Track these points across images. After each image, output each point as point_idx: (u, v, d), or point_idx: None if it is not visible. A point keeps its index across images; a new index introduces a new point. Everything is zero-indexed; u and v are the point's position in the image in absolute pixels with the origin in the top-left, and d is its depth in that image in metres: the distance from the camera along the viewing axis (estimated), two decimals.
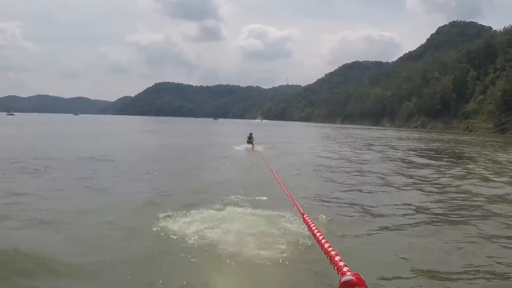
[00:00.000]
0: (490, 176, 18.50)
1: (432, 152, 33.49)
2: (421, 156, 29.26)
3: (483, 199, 12.79)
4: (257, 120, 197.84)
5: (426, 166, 22.48)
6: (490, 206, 11.64)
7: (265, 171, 12.13)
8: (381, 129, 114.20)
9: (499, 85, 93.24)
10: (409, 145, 42.21)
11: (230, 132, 62.87)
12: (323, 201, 12.05)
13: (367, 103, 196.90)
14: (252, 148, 30.83)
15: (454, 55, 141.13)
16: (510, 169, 21.59)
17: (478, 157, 29.07)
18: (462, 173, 19.58)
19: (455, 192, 14.15)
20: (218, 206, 10.16)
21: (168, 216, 9.23)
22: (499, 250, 7.83)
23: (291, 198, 4.83)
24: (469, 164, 23.70)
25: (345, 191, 13.61)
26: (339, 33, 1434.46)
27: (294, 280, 6.17)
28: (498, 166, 22.94)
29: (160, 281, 6.07)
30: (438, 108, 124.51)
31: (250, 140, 32.32)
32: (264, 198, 11.27)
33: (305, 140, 50.28)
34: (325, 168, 20.32)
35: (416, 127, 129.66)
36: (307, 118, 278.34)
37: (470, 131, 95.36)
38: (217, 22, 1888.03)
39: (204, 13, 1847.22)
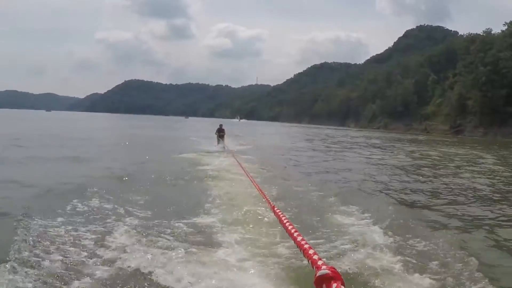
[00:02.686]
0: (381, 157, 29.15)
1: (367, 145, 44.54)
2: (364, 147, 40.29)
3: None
4: (235, 120, 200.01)
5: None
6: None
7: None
8: (344, 130, 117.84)
9: (456, 89, 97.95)
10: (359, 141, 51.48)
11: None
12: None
13: (334, 104, 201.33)
14: (223, 147, 27.24)
15: (416, 59, 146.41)
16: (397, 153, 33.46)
17: (390, 148, 41.02)
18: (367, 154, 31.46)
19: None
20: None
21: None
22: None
23: (261, 192, 4.99)
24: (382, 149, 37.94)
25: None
26: (308, 33, 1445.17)
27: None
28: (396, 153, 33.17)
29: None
30: (399, 110, 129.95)
31: (220, 134, 28.89)
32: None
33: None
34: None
35: (378, 128, 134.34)
36: (275, 118, 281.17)
37: (428, 132, 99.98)
38: (186, 21, 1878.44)
39: (173, 11, 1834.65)
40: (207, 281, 5.59)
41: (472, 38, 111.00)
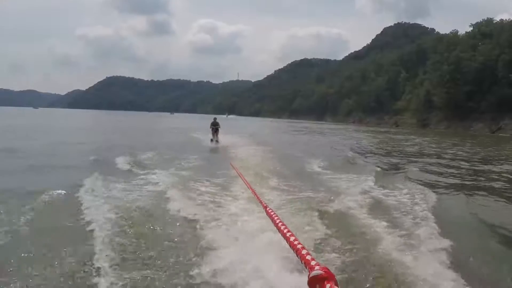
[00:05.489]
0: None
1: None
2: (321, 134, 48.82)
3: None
4: (223, 116, 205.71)
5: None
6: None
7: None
8: (321, 123, 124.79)
9: (424, 86, 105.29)
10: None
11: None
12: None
13: (312, 99, 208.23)
14: (217, 141, 27.78)
15: (390, 58, 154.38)
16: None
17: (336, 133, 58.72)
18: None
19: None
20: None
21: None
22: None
23: (252, 190, 4.92)
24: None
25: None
26: (289, 29, 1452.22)
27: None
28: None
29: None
30: (373, 105, 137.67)
31: (215, 127, 28.64)
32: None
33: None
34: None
35: (353, 122, 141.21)
36: (256, 113, 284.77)
37: (397, 126, 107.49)
38: (167, 17, 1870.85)
39: (153, 7, 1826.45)
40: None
41: (440, 38, 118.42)
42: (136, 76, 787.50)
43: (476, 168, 19.31)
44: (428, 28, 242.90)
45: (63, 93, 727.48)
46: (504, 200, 11.63)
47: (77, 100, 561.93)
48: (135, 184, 11.71)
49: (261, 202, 3.98)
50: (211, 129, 28.82)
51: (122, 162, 15.86)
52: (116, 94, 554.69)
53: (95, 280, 5.36)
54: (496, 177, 16.30)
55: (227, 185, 11.68)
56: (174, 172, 13.81)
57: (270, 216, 3.11)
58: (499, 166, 19.91)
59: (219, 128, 28.84)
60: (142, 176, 12.86)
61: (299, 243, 2.22)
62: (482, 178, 16.05)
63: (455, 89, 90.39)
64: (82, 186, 10.68)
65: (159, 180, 12.16)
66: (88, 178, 11.71)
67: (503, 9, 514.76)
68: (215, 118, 29.56)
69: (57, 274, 5.57)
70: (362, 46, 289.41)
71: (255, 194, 4.65)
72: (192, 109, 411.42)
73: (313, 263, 1.91)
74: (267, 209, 3.39)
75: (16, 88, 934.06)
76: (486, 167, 19.67)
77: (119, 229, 7.38)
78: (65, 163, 16.54)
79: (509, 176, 16.53)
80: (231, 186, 11.41)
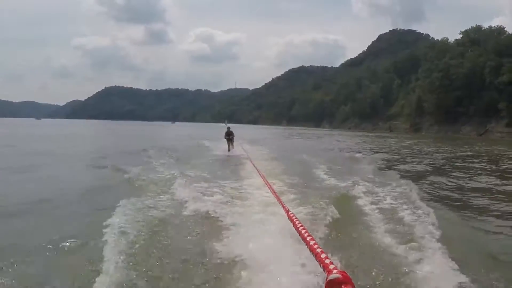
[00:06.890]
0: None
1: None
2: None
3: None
4: (222, 124, 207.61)
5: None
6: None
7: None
8: (318, 130, 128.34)
9: (416, 92, 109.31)
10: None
11: None
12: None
13: (310, 106, 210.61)
14: (231, 149, 27.37)
15: (384, 65, 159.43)
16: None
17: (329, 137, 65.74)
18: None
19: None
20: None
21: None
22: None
23: (275, 194, 5.17)
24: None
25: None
26: (286, 36, 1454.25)
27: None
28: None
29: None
30: (368, 111, 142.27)
31: (229, 137, 28.15)
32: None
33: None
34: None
35: (350, 128, 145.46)
36: (254, 121, 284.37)
37: (391, 131, 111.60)
38: (164, 26, 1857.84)
39: (150, 16, 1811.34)
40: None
41: (432, 45, 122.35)
42: (134, 86, 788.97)
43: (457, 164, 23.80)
44: (423, 33, 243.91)
45: (61, 103, 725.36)
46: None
47: (76, 110, 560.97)
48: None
49: (283, 206, 4.15)
50: (225, 139, 28.36)
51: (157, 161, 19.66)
52: (114, 104, 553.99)
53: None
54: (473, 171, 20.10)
55: (248, 188, 11.95)
56: (196, 173, 15.10)
57: (291, 220, 3.25)
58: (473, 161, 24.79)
59: (233, 138, 28.41)
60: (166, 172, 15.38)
61: (318, 247, 2.37)
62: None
63: (444, 95, 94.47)
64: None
65: (184, 180, 12.92)
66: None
67: (499, 13, 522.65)
68: (229, 128, 29.19)
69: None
70: (359, 53, 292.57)
71: (278, 199, 4.85)
72: (191, 118, 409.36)
73: (331, 267, 1.98)
74: (289, 213, 3.53)
75: (15, 99, 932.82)
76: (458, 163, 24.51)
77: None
78: (114, 162, 19.61)
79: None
80: (252, 189, 11.64)
